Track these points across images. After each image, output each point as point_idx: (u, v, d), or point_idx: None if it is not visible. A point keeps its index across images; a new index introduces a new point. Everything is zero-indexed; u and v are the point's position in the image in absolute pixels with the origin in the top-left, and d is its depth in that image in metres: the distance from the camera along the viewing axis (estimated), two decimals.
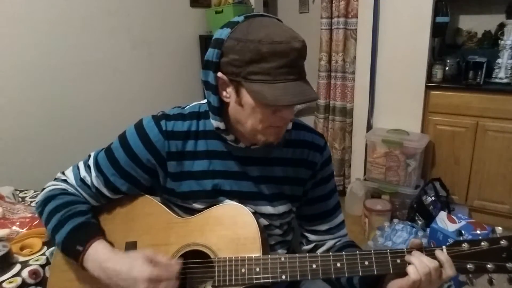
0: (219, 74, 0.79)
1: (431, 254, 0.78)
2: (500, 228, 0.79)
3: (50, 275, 0.95)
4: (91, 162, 0.94)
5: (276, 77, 0.74)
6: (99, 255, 0.83)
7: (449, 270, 0.76)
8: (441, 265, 0.76)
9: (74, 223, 0.87)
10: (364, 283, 0.88)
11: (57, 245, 0.88)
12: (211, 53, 0.80)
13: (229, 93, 0.81)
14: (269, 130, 0.82)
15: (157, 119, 0.91)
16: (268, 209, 0.94)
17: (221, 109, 0.84)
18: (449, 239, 1.90)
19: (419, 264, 0.76)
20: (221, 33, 0.79)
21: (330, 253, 0.82)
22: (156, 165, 0.91)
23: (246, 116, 0.81)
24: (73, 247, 0.84)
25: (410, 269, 0.76)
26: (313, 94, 0.76)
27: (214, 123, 0.86)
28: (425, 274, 0.75)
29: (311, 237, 1.03)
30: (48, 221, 0.89)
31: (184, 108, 0.96)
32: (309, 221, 1.02)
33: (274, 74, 0.74)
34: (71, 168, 0.98)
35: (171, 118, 0.92)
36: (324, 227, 1.01)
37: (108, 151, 0.93)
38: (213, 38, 0.81)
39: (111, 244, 0.88)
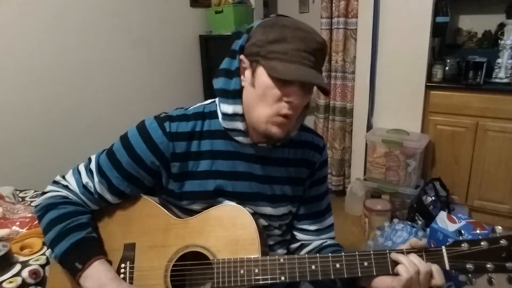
0: (241, 56, 0.83)
1: (430, 257, 0.78)
2: (499, 227, 0.79)
3: (49, 275, 0.95)
4: (93, 167, 0.93)
5: (292, 57, 0.77)
6: (100, 275, 0.82)
7: (438, 279, 0.76)
8: (431, 274, 0.76)
9: (74, 238, 0.85)
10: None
11: (54, 257, 0.87)
12: (239, 41, 0.84)
13: (246, 76, 0.83)
14: (274, 118, 0.81)
15: (160, 120, 0.90)
16: (268, 210, 0.94)
17: (241, 93, 0.85)
18: (449, 239, 1.90)
19: (408, 263, 0.76)
20: (253, 24, 0.85)
21: (329, 254, 0.82)
22: (160, 167, 0.90)
23: (256, 99, 0.82)
24: (71, 264, 0.83)
25: (400, 268, 0.77)
26: (325, 84, 0.80)
27: (233, 108, 0.85)
28: (415, 273, 0.75)
29: (299, 236, 1.03)
30: (47, 231, 0.88)
31: (187, 109, 0.95)
32: (300, 219, 1.03)
33: (291, 55, 0.77)
34: (71, 172, 0.96)
35: (174, 119, 0.91)
36: (313, 227, 1.02)
37: (110, 153, 0.92)
38: (245, 29, 0.86)
39: (109, 256, 0.89)
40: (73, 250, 0.84)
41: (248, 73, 0.83)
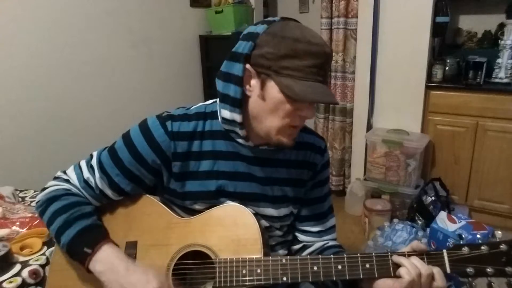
0: (248, 66, 0.80)
1: (432, 260, 0.79)
2: (499, 232, 0.80)
3: (49, 274, 0.95)
4: (94, 163, 0.93)
5: (307, 75, 0.77)
6: (110, 257, 0.83)
7: (440, 281, 0.76)
8: (433, 277, 0.77)
9: (81, 225, 0.86)
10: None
11: (61, 247, 0.87)
12: (242, 45, 0.81)
13: (252, 86, 0.82)
14: (285, 130, 0.83)
15: (162, 119, 0.90)
16: (270, 211, 0.95)
17: (241, 102, 0.84)
18: (449, 239, 1.90)
19: (410, 266, 0.76)
20: (256, 28, 0.81)
21: (331, 256, 0.82)
22: (161, 166, 0.90)
23: (266, 112, 0.82)
24: (80, 249, 0.84)
25: (401, 271, 0.77)
26: (335, 98, 0.81)
27: (230, 115, 0.85)
28: (417, 275, 0.75)
29: (301, 237, 1.03)
30: (52, 222, 0.88)
31: (189, 108, 0.95)
32: (302, 221, 1.03)
33: (305, 72, 0.77)
34: (72, 167, 0.97)
35: (176, 118, 0.91)
36: (315, 228, 1.02)
37: (112, 151, 0.92)
38: (246, 32, 0.83)
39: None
40: (81, 236, 0.85)
41: (255, 84, 0.82)
